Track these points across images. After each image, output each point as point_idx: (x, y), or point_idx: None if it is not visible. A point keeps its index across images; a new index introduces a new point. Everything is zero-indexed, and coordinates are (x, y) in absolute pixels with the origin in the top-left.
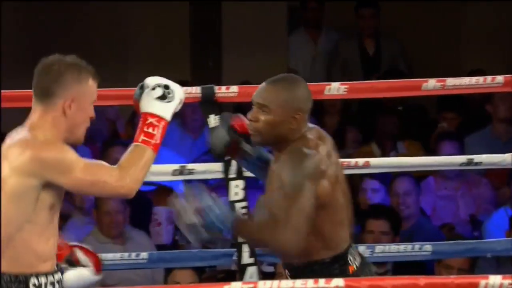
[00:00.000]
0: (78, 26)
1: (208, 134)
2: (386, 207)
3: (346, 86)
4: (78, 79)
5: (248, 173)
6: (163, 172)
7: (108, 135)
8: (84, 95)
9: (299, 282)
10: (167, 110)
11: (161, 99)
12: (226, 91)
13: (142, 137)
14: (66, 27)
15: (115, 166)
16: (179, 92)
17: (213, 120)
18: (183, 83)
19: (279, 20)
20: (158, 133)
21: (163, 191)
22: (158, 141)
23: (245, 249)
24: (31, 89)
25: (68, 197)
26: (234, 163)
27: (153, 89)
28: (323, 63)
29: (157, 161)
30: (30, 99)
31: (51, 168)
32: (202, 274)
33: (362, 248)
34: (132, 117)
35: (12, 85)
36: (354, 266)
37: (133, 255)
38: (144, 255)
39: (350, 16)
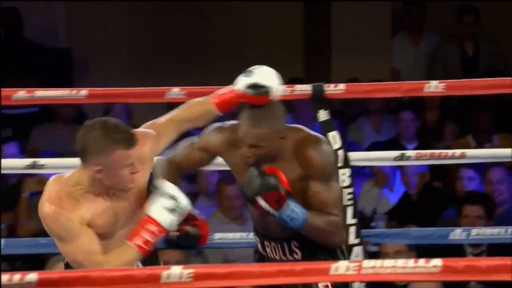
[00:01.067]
0: (199, 26)
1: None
2: (481, 194)
3: (443, 84)
4: (103, 151)
5: (353, 162)
6: None
7: None
8: (111, 165)
9: (400, 262)
10: (171, 225)
11: (170, 211)
12: (334, 89)
13: (139, 242)
14: (188, 28)
15: (102, 258)
16: (186, 208)
17: (322, 115)
18: (296, 81)
19: (383, 22)
20: (154, 243)
21: None
22: (149, 249)
23: (351, 230)
24: (154, 86)
25: (195, 182)
26: (340, 153)
27: (166, 198)
28: (424, 64)
29: None
30: (155, 96)
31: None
32: None
33: (458, 231)
34: None
35: (140, 81)
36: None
37: (251, 234)
38: None
39: (450, 19)
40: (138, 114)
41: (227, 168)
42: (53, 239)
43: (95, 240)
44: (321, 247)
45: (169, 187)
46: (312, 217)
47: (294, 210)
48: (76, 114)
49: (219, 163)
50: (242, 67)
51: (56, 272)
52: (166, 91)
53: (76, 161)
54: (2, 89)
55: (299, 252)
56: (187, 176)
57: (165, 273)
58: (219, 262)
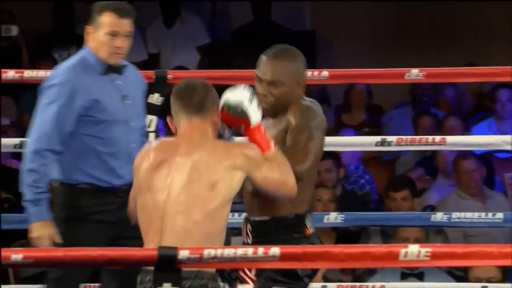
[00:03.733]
0: (440, 8)
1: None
2: None
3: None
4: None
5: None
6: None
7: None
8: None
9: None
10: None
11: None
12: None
13: (272, 144)
14: (428, 10)
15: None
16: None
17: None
18: None
19: None
20: None
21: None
22: None
23: None
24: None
25: (433, 162)
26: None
27: (251, 101)
28: None
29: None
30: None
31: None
32: None
33: None
34: None
35: (380, 62)
36: (311, 230)
37: (490, 214)
38: (499, 215)
39: None
40: (378, 94)
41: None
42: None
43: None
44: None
45: (237, 93)
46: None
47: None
48: (320, 93)
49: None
50: (478, 51)
51: (298, 247)
52: (406, 72)
53: None
54: (248, 70)
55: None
56: (422, 160)
57: (403, 251)
58: (459, 238)
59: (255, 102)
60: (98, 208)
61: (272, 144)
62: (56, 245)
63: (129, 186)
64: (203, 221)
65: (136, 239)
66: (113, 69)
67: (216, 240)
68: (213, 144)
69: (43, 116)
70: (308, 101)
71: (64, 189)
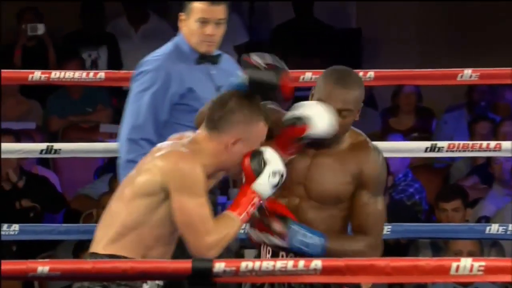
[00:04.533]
0: (492, 9)
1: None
2: None
3: None
4: (248, 121)
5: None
6: None
7: None
8: (251, 137)
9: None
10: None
11: (275, 187)
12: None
13: (244, 215)
14: (479, 10)
15: (212, 226)
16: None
17: None
18: None
19: None
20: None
21: None
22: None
23: None
24: (445, 67)
25: (487, 169)
26: None
27: (274, 175)
28: None
29: None
30: (446, 77)
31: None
32: None
33: None
34: None
35: (431, 63)
36: None
37: None
38: None
39: None
40: (428, 96)
41: None
42: (175, 193)
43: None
44: None
45: (276, 160)
46: (333, 242)
47: (305, 234)
48: (366, 95)
49: None
50: None
51: (341, 260)
52: (458, 73)
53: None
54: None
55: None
56: (476, 168)
57: (454, 264)
58: None
59: (277, 179)
60: None
61: (242, 216)
62: None
63: None
64: (120, 211)
65: None
66: (207, 59)
67: (135, 234)
68: (180, 148)
69: (137, 104)
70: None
71: None
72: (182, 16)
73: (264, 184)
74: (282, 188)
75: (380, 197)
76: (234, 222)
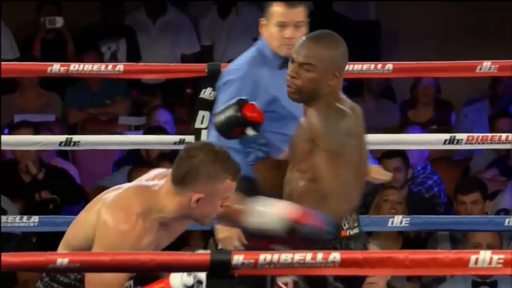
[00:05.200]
0: None
1: (217, 112)
2: None
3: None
4: (213, 179)
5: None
6: None
7: None
8: (216, 194)
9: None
10: None
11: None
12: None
13: None
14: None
15: None
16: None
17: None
18: None
19: None
20: None
21: None
22: None
23: None
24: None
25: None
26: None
27: (192, 279)
28: None
29: None
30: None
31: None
32: None
33: None
34: None
35: (450, 55)
36: (348, 233)
37: None
38: None
39: None
40: (447, 88)
41: None
42: (95, 244)
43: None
44: None
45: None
46: None
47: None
48: (384, 88)
49: None
50: None
51: (359, 252)
52: (477, 64)
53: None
54: None
55: None
56: (496, 160)
57: (473, 257)
58: None
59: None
60: None
61: None
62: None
63: None
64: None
65: None
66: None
67: None
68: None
69: None
70: (344, 100)
71: (248, 185)
72: (263, 21)
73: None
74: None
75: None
76: None
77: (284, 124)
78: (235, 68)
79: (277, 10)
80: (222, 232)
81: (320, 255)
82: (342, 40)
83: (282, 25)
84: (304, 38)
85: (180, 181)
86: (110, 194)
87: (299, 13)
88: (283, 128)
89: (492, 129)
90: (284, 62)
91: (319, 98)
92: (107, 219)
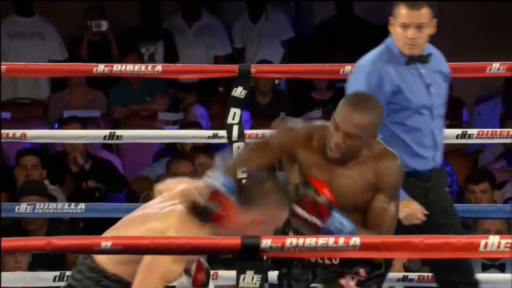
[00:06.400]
0: None
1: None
2: None
3: None
4: (279, 206)
5: None
6: None
7: None
8: (273, 220)
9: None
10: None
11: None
12: None
13: None
14: None
15: None
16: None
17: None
18: None
19: None
20: None
21: None
22: None
23: None
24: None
25: None
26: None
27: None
28: None
29: None
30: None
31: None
32: None
33: None
34: None
35: (463, 56)
36: None
37: None
38: None
39: None
40: (458, 86)
41: None
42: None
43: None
44: None
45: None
46: (360, 231)
47: (342, 223)
48: None
49: None
50: None
51: (378, 237)
52: (487, 66)
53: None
54: (331, 64)
55: None
56: (505, 152)
57: (483, 242)
58: None
59: None
60: (408, 191)
61: None
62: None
63: (433, 171)
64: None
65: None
66: (416, 59)
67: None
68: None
69: None
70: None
71: None
72: (391, 20)
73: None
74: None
75: (394, 202)
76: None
77: (407, 115)
78: (363, 63)
79: (401, 11)
80: (405, 208)
81: (342, 240)
82: (377, 102)
83: (405, 26)
84: (346, 105)
85: (251, 200)
86: (178, 207)
87: (422, 15)
88: (407, 119)
89: (503, 128)
90: (410, 58)
91: (356, 155)
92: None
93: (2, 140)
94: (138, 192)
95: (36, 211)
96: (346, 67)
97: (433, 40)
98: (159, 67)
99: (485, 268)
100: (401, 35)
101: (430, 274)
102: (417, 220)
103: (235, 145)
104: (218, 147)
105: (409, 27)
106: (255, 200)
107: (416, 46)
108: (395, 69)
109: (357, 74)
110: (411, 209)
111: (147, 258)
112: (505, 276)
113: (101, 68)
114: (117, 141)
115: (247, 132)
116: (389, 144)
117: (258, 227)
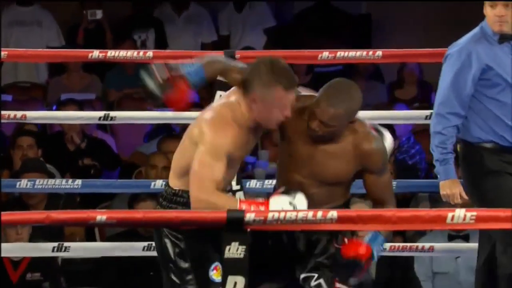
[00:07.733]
0: None
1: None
2: None
3: None
4: (267, 85)
5: None
6: None
7: None
8: (268, 100)
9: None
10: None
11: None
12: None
13: (244, 207)
14: None
15: (215, 190)
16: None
17: None
18: None
19: None
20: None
21: None
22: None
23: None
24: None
25: None
26: None
27: (289, 204)
28: None
29: None
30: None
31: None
32: None
33: None
34: None
35: (434, 43)
36: None
37: None
38: None
39: None
40: (428, 72)
41: None
42: (198, 152)
43: (224, 171)
44: None
45: (300, 202)
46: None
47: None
48: (374, 71)
49: None
50: None
51: (353, 210)
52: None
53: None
54: (309, 50)
55: None
56: None
57: (450, 214)
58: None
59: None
60: (501, 165)
61: (241, 207)
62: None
63: None
64: (179, 156)
65: None
66: (509, 37)
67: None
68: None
69: (443, 82)
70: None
71: (467, 148)
72: (484, 3)
73: (278, 204)
74: (288, 163)
75: (385, 172)
76: (230, 203)
77: (499, 90)
78: (456, 44)
79: None
80: (446, 188)
81: (320, 213)
82: (355, 88)
83: (493, 5)
84: (322, 95)
85: (245, 87)
86: (206, 113)
87: None
88: (498, 95)
89: None
90: (502, 37)
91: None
92: (208, 130)
93: (4, 121)
94: (133, 167)
95: (36, 186)
96: (324, 53)
97: (406, 29)
98: (150, 53)
99: (451, 238)
100: (490, 14)
101: (401, 244)
102: (456, 201)
103: None
104: None
105: (497, 5)
106: (246, 85)
107: (505, 22)
108: (485, 49)
109: (450, 54)
110: (452, 192)
111: (193, 167)
112: (469, 245)
113: (96, 54)
114: (111, 122)
115: None
116: (484, 118)
117: (257, 107)
